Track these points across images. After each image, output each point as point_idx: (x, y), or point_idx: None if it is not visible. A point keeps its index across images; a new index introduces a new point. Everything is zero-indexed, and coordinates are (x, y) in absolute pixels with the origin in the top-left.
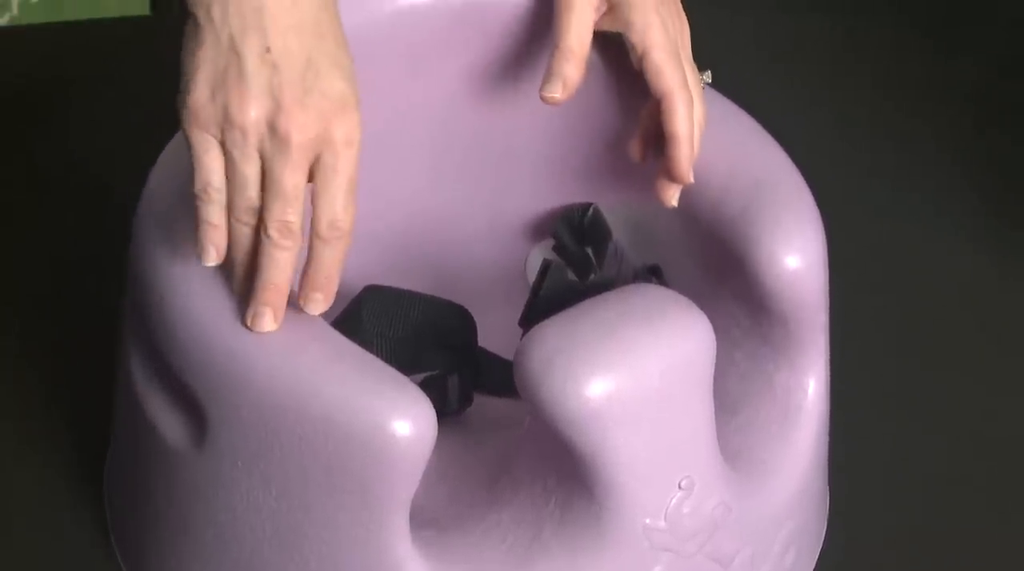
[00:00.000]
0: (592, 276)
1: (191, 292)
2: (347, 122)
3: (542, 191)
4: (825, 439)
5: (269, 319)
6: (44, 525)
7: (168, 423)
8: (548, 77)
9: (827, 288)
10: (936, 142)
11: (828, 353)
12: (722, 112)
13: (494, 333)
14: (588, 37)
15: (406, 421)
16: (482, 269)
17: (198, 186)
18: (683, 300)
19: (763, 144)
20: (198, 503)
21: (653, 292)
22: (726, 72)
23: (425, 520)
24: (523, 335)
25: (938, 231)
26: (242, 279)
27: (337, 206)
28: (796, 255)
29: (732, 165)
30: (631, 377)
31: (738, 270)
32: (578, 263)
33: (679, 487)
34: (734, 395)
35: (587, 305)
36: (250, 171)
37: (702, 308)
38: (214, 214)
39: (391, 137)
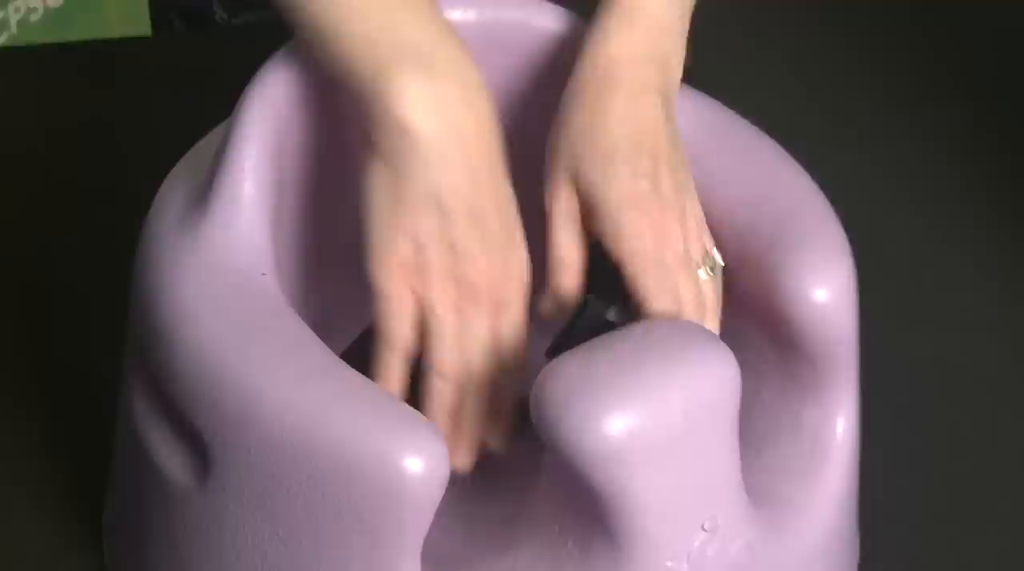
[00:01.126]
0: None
1: (198, 322)
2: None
3: None
4: (855, 479)
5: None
6: (39, 567)
7: (170, 459)
8: (544, 294)
9: (857, 322)
10: (972, 166)
11: (858, 389)
12: (746, 140)
13: None
14: (575, 247)
15: (417, 458)
16: None
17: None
18: (708, 335)
19: (789, 172)
20: (201, 543)
21: (677, 326)
22: (746, 91)
23: (438, 562)
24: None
25: (972, 257)
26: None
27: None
28: (824, 288)
29: (758, 196)
30: (654, 415)
31: (765, 305)
32: (613, 299)
33: (703, 528)
34: (760, 433)
35: (608, 339)
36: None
37: (727, 343)
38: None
39: None
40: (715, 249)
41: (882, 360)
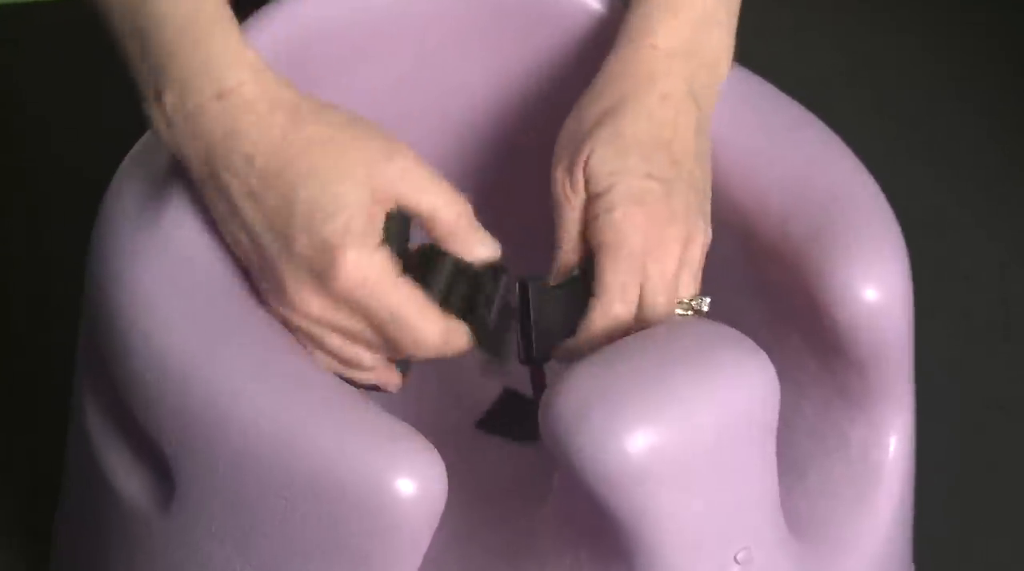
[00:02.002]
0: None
1: (160, 321)
2: (345, 259)
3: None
4: (909, 507)
5: None
6: None
7: (128, 480)
8: (556, 268)
9: (912, 326)
10: None
11: (914, 404)
12: (788, 117)
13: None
14: (574, 235)
15: (411, 479)
16: None
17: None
18: (742, 339)
19: (836, 154)
20: None
21: (707, 329)
22: (788, 67)
23: None
24: (531, 374)
25: None
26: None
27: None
28: (875, 286)
29: (800, 180)
30: (681, 430)
31: (807, 304)
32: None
33: (735, 561)
34: (801, 453)
35: (629, 343)
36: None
37: (764, 348)
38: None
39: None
40: (707, 298)
41: (937, 369)
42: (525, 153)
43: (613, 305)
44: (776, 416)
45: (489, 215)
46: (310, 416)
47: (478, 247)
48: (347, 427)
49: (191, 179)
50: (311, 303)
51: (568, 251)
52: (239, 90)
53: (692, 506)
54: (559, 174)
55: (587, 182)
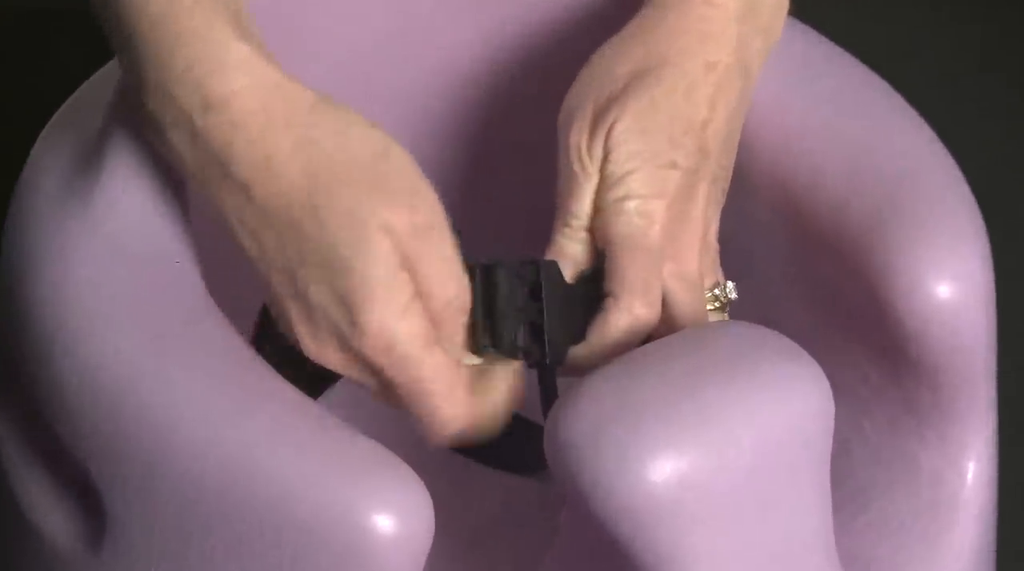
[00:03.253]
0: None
1: (90, 328)
2: (370, 317)
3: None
4: (991, 544)
5: None
6: None
7: (50, 516)
8: (548, 251)
9: (994, 328)
10: None
11: (996, 422)
12: (848, 79)
13: None
14: (586, 214)
15: (390, 514)
16: None
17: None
18: (789, 346)
19: (904, 123)
20: None
21: (747, 333)
22: (848, 22)
23: None
24: (541, 384)
25: None
26: None
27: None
28: (950, 281)
29: (861, 155)
30: (715, 456)
31: (867, 303)
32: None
33: None
34: (861, 481)
35: (652, 350)
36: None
37: (815, 356)
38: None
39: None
40: (730, 283)
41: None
42: (519, 125)
43: (634, 305)
44: (830, 438)
45: (478, 194)
46: (269, 438)
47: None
48: (313, 452)
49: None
50: (328, 356)
51: (576, 231)
52: (230, 102)
53: (729, 547)
54: (574, 139)
55: (604, 156)
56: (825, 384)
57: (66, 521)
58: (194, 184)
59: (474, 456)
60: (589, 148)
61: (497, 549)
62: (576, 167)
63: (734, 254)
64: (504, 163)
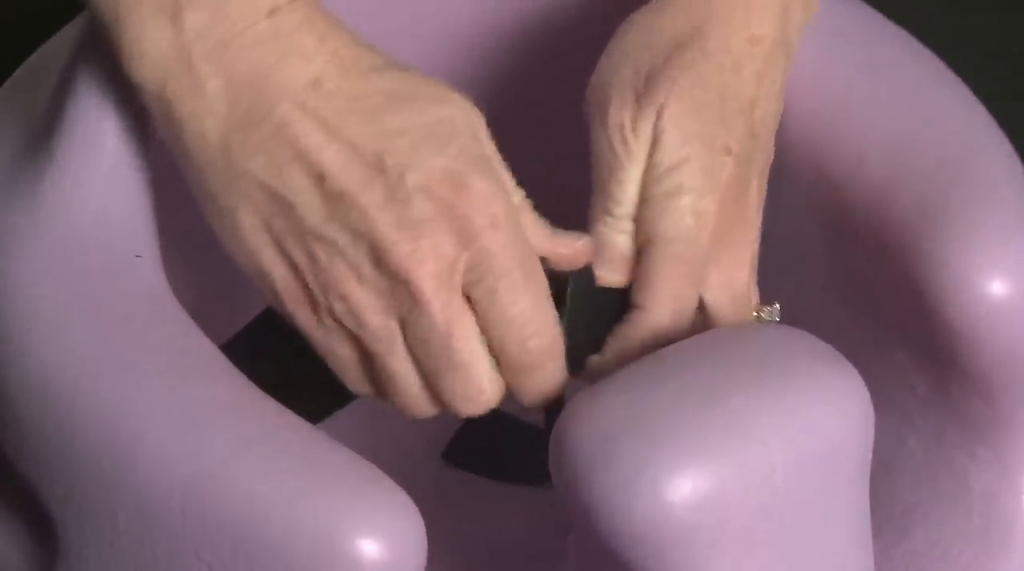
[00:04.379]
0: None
1: (40, 336)
2: (477, 189)
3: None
4: None
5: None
6: None
7: None
8: (598, 253)
9: None
10: None
11: None
12: (893, 54)
13: None
14: (630, 204)
15: (376, 537)
16: None
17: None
18: (824, 349)
19: (956, 103)
20: None
21: (777, 336)
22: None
23: None
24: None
25: None
26: None
27: (520, 324)
28: (1004, 278)
29: (906, 137)
30: (740, 472)
31: (912, 303)
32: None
33: None
34: (903, 503)
35: (671, 354)
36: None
37: (853, 362)
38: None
39: None
40: (775, 306)
41: None
42: (524, 104)
43: (661, 319)
44: (869, 453)
45: None
46: (241, 453)
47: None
48: (290, 468)
49: (194, 134)
50: (428, 258)
51: (619, 220)
52: (295, 4)
53: None
54: (616, 117)
55: (654, 138)
56: (865, 393)
57: (15, 547)
58: (226, 122)
59: (471, 466)
60: (635, 127)
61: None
62: (619, 148)
63: (763, 249)
64: (511, 143)
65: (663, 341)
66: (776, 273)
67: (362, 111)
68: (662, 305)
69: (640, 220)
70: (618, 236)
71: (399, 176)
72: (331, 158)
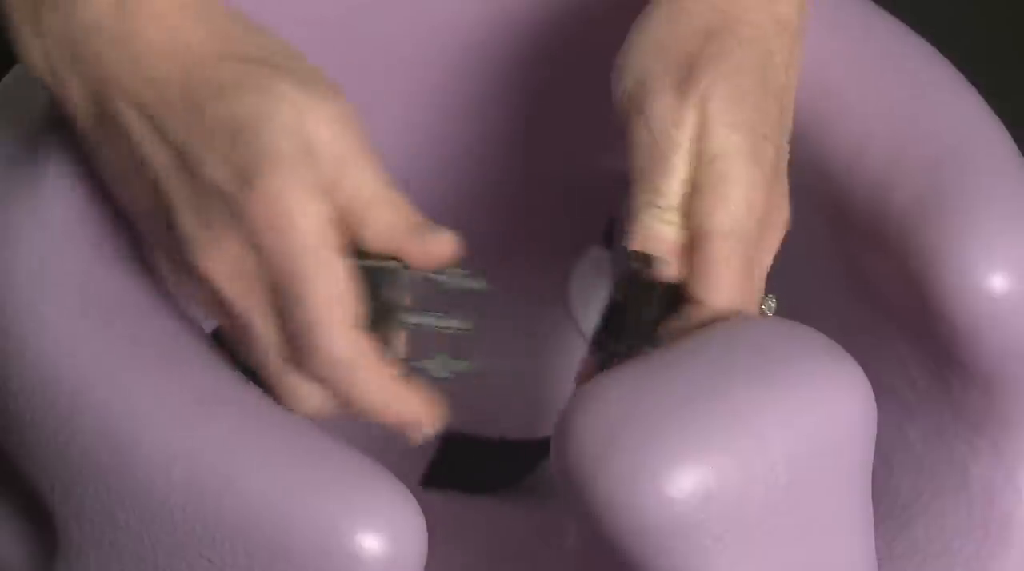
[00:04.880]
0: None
1: (40, 332)
2: (264, 188)
3: (589, 187)
4: None
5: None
6: None
7: None
8: (648, 247)
9: None
10: None
11: None
12: (892, 45)
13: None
14: (678, 180)
15: (379, 533)
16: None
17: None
18: (826, 344)
19: (955, 94)
20: None
21: (779, 331)
22: None
23: None
24: (579, 379)
25: None
26: None
27: (297, 327)
28: (1005, 273)
29: (906, 127)
30: (743, 466)
31: (911, 296)
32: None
33: None
34: (903, 496)
35: (672, 349)
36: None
37: (854, 355)
38: None
39: (392, 95)
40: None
41: None
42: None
43: (721, 313)
44: (872, 447)
45: (475, 197)
46: (241, 451)
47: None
48: (290, 464)
49: (76, 130)
50: (219, 258)
51: (665, 211)
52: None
53: (758, 569)
54: (657, 107)
55: (700, 126)
56: (867, 386)
57: (15, 543)
58: (87, 110)
59: (430, 485)
60: (677, 117)
61: (503, 566)
62: (662, 140)
63: None
64: (506, 132)
65: None
66: (776, 266)
67: (187, 108)
68: (724, 299)
69: (691, 211)
70: (667, 228)
71: (196, 170)
72: (154, 157)
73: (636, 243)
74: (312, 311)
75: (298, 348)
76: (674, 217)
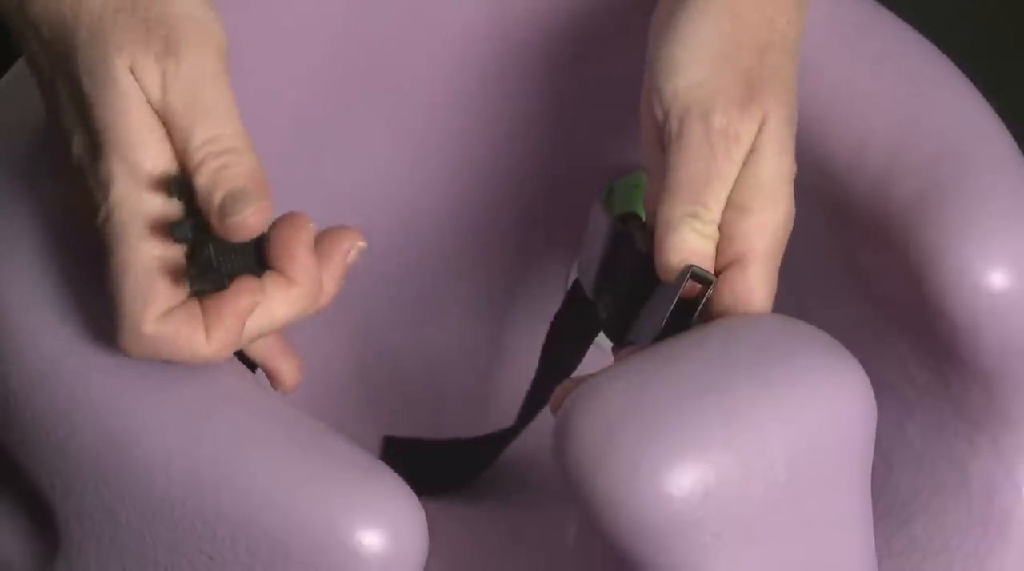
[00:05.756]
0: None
1: (39, 331)
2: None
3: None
4: None
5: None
6: None
7: None
8: (661, 257)
9: None
10: None
11: None
12: (892, 42)
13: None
14: (726, 197)
15: (380, 530)
16: (510, 279)
17: None
18: (826, 341)
19: (954, 91)
20: None
21: (779, 327)
22: None
23: None
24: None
25: None
26: None
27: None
28: (1004, 270)
29: (905, 124)
30: (742, 463)
31: (911, 293)
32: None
33: None
34: (905, 493)
35: (673, 346)
36: None
37: (853, 352)
38: None
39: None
40: None
41: None
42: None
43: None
44: (872, 444)
45: (506, 205)
46: (240, 446)
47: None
48: (290, 459)
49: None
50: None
51: (707, 225)
52: None
53: (756, 567)
54: (723, 121)
55: (752, 148)
56: (866, 383)
57: (15, 541)
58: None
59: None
60: (740, 134)
61: (507, 562)
62: (722, 156)
63: None
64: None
65: None
66: (781, 265)
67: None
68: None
69: (731, 232)
70: (706, 243)
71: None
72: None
73: (673, 257)
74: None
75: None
76: (714, 231)
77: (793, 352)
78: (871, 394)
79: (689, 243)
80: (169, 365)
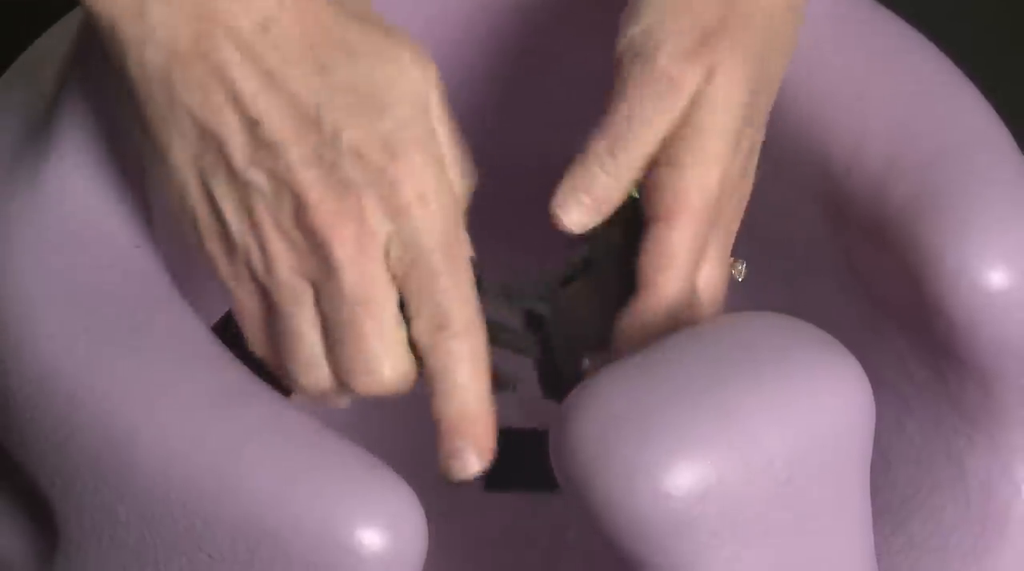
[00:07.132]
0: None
1: (39, 317)
2: (412, 161)
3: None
4: None
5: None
6: None
7: None
8: (561, 188)
9: None
10: None
11: None
12: (889, 38)
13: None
14: (655, 145)
15: (379, 529)
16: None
17: None
18: (825, 339)
19: (952, 87)
20: None
21: (777, 325)
22: None
23: None
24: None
25: None
26: None
27: (440, 298)
28: (1002, 268)
29: (903, 122)
30: (741, 464)
31: (909, 291)
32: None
33: None
34: (903, 491)
35: (670, 344)
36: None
37: (851, 350)
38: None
39: None
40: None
41: None
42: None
43: (669, 287)
44: (870, 442)
45: (506, 205)
46: (241, 445)
47: None
48: (291, 459)
49: (130, 75)
50: (349, 222)
51: (620, 169)
52: None
53: (756, 566)
54: (668, 67)
55: (694, 99)
56: (865, 381)
57: (14, 538)
58: (181, 55)
59: (494, 487)
60: (681, 79)
61: (504, 563)
62: (658, 102)
63: (760, 238)
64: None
65: (671, 321)
66: (774, 261)
67: (309, 61)
68: (675, 287)
69: (659, 182)
70: (611, 182)
71: (334, 134)
72: (266, 106)
73: (572, 199)
74: (454, 276)
75: (429, 317)
76: (627, 177)
77: (791, 350)
78: (870, 391)
79: (594, 178)
80: (169, 364)
